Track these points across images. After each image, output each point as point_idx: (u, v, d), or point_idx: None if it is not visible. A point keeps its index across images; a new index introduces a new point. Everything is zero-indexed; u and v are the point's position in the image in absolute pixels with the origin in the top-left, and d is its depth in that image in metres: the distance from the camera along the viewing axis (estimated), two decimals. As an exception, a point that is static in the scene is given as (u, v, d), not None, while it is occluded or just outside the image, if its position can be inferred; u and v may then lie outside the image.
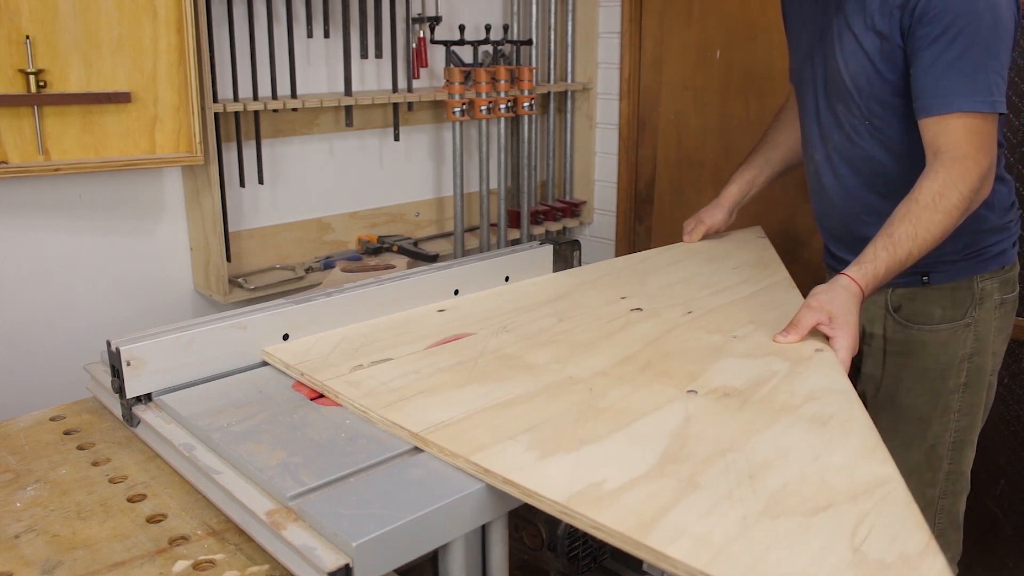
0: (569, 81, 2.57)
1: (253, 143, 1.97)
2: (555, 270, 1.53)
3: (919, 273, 1.42)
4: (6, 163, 1.57)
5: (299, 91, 2.00)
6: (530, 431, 0.89)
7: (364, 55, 2.08)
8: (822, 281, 1.29)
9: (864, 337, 1.50)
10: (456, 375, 1.05)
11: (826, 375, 1.04)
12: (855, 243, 1.36)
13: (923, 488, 1.50)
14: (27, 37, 1.54)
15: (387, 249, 2.17)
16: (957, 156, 1.22)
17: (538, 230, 2.48)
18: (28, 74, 1.55)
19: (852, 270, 1.22)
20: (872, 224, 1.35)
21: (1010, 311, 1.46)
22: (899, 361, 1.47)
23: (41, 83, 1.57)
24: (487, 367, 1.07)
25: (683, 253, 1.65)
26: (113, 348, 1.01)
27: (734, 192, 1.70)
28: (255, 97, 1.93)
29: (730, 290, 1.39)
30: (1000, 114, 1.25)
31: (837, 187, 1.46)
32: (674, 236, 1.89)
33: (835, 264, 1.53)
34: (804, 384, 1.01)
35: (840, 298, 1.18)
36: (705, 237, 1.71)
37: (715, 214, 1.70)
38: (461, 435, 0.88)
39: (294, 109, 2.00)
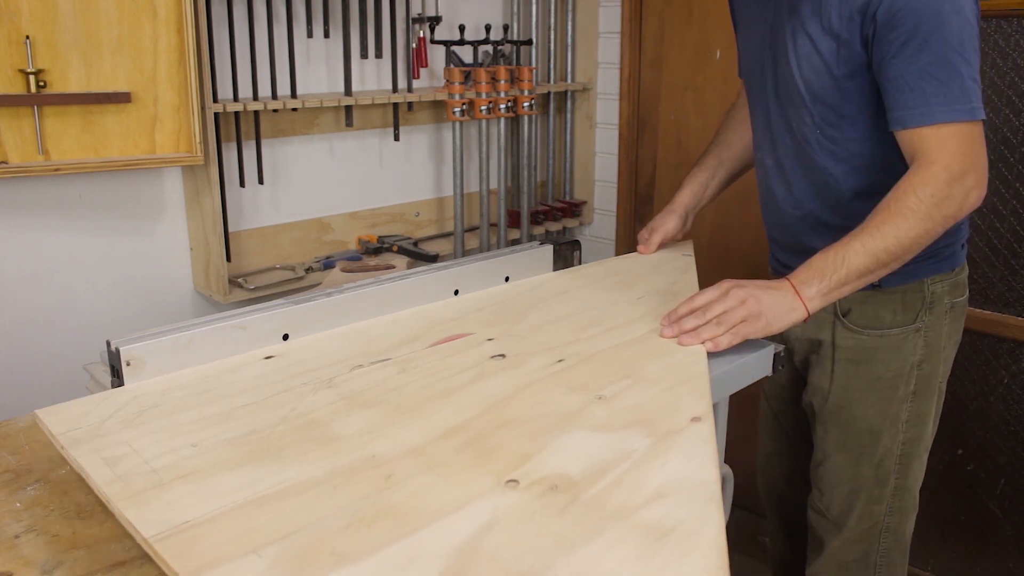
0: (569, 81, 2.57)
1: (253, 143, 1.97)
2: (555, 270, 1.53)
3: None
4: (6, 163, 1.57)
5: (299, 91, 2.00)
6: (281, 541, 0.70)
7: (364, 55, 2.08)
8: None
9: (812, 345, 1.45)
10: (237, 450, 0.86)
11: (692, 458, 0.85)
12: (803, 254, 1.30)
13: (870, 506, 1.43)
14: (27, 37, 1.54)
15: (387, 249, 2.17)
16: (924, 163, 1.16)
17: (538, 230, 2.48)
18: (28, 74, 1.55)
19: (805, 290, 1.16)
20: (820, 237, 1.31)
21: (960, 315, 1.42)
22: (848, 369, 1.40)
23: (41, 83, 1.57)
24: (280, 439, 0.88)
25: (583, 278, 1.48)
26: (113, 348, 1.01)
27: (687, 197, 1.59)
28: (255, 97, 1.93)
29: (621, 329, 1.21)
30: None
31: (787, 196, 1.40)
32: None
33: (781, 269, 1.47)
34: (658, 473, 0.82)
35: (772, 299, 1.15)
36: (661, 246, 1.59)
37: (667, 221, 1.58)
38: (195, 544, 0.70)
39: (294, 109, 2.00)
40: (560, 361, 1.09)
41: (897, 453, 1.41)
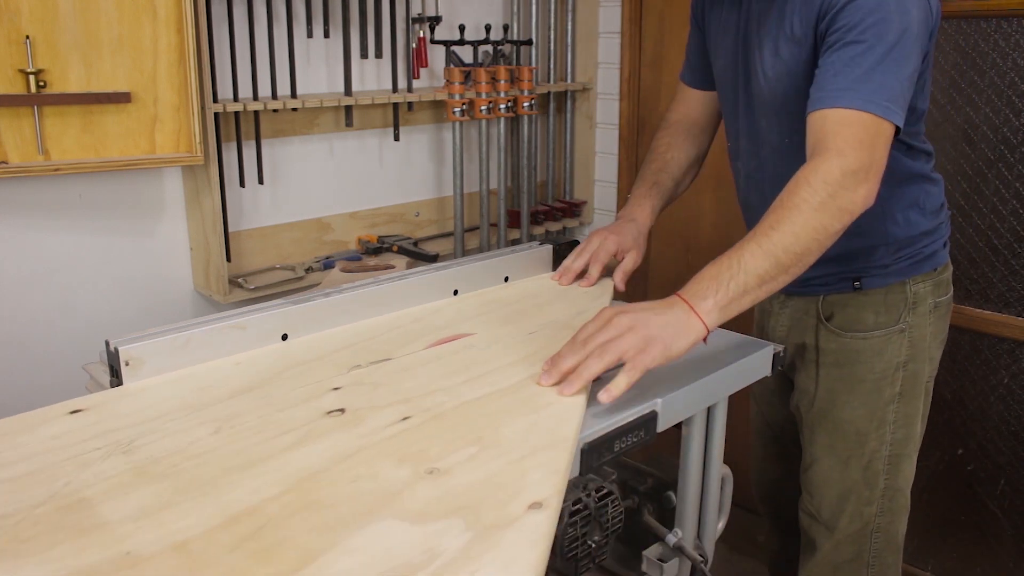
0: (569, 81, 2.57)
1: (253, 143, 1.97)
2: (555, 270, 1.53)
3: (851, 278, 1.36)
4: (6, 163, 1.57)
5: (299, 91, 2.00)
6: None
7: (364, 55, 2.08)
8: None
9: (796, 349, 1.45)
10: None
11: (510, 565, 0.68)
12: None
13: (860, 507, 1.42)
14: (27, 37, 1.54)
15: (387, 249, 2.17)
16: (818, 151, 1.09)
17: (538, 230, 2.48)
18: (28, 74, 1.55)
19: (700, 304, 1.04)
20: None
21: (945, 314, 1.41)
22: (833, 372, 1.39)
23: (41, 83, 1.57)
24: (31, 527, 0.73)
25: (484, 305, 1.34)
26: (111, 348, 1.01)
27: (647, 216, 1.48)
28: (255, 97, 1.93)
29: (496, 375, 1.06)
30: (896, 128, 1.12)
31: (762, 204, 1.33)
32: (674, 236, 1.89)
33: None
34: None
35: (664, 320, 1.02)
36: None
37: (625, 244, 1.44)
38: None
39: (294, 109, 2.00)
40: (405, 419, 0.93)
41: (885, 454, 1.40)
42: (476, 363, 1.09)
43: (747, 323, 1.65)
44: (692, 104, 1.56)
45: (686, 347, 1.02)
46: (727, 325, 1.11)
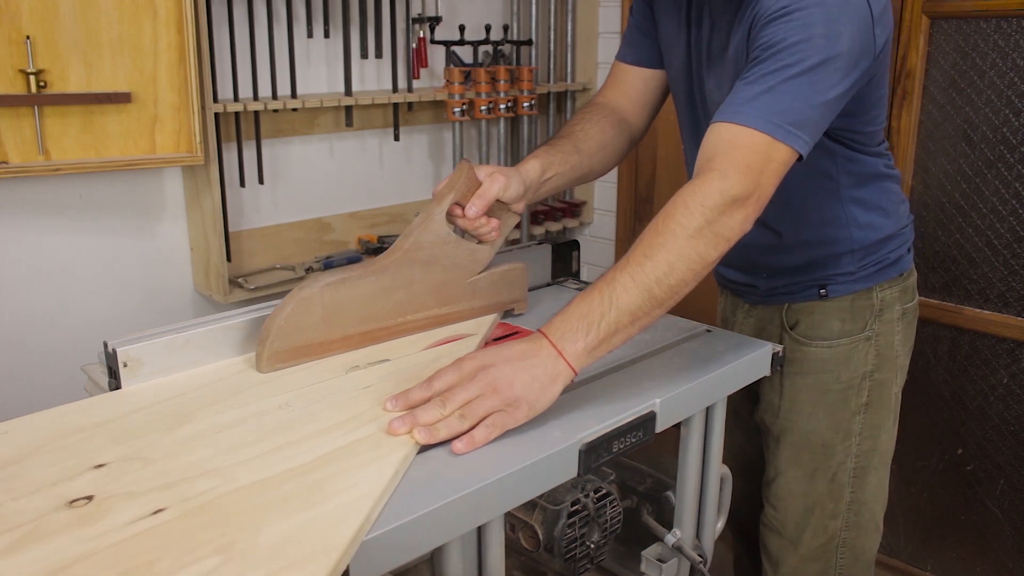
0: (569, 81, 2.57)
1: (253, 143, 1.97)
2: (554, 270, 1.53)
3: (816, 286, 1.31)
4: (6, 163, 1.57)
5: (299, 91, 2.00)
6: None
7: (364, 55, 2.08)
8: None
9: None
10: None
11: None
12: (749, 269, 1.28)
13: (825, 521, 1.37)
14: (27, 37, 1.54)
15: (387, 249, 2.17)
16: (705, 169, 0.99)
17: (538, 230, 2.49)
18: (28, 74, 1.55)
19: (569, 348, 0.94)
20: (765, 252, 1.28)
21: (912, 321, 1.37)
22: (798, 382, 1.34)
23: (41, 83, 1.57)
24: None
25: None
26: (110, 349, 1.01)
27: (536, 169, 1.23)
28: (255, 97, 1.93)
29: (305, 444, 0.88)
30: (799, 157, 1.02)
31: None
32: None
33: (727, 284, 1.44)
34: None
35: (529, 375, 0.92)
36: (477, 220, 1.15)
37: (504, 181, 1.16)
38: None
39: (294, 109, 2.00)
40: (158, 513, 0.77)
41: (851, 466, 1.35)
42: (287, 427, 0.92)
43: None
44: (625, 87, 1.40)
45: (551, 401, 0.94)
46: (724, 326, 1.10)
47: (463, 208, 1.13)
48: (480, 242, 1.18)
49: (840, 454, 1.35)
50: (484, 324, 1.19)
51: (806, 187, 1.21)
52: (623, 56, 1.40)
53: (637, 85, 1.40)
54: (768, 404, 1.39)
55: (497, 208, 1.16)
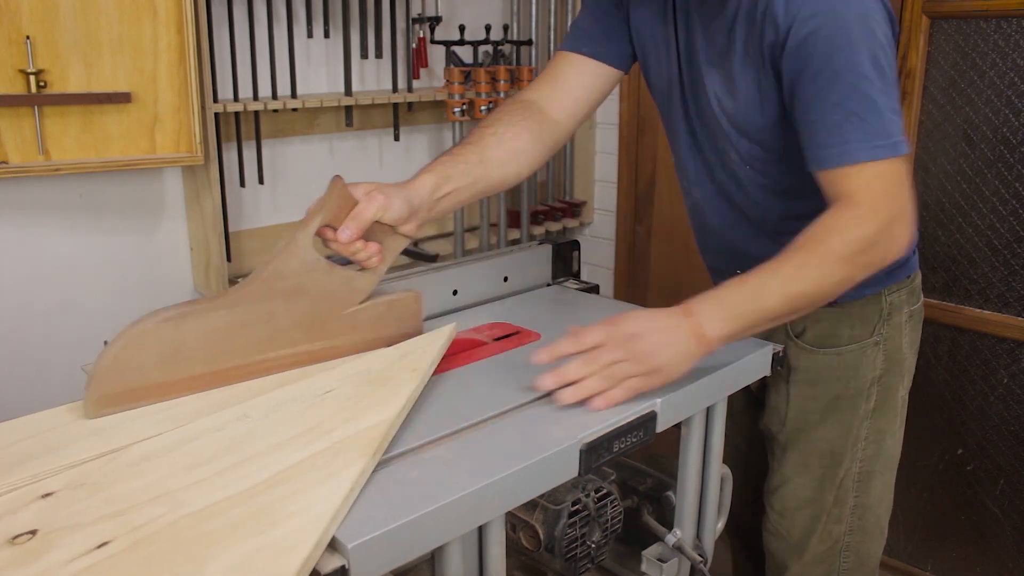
0: (569, 81, 2.56)
1: (253, 143, 1.97)
2: (554, 270, 1.53)
3: None
4: (6, 163, 1.57)
5: (299, 91, 2.00)
6: None
7: (364, 55, 2.08)
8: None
9: None
10: None
11: None
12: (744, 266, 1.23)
13: (829, 527, 1.35)
14: (27, 37, 1.54)
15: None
16: (849, 204, 1.04)
17: (538, 230, 2.48)
18: (28, 74, 1.55)
19: (710, 330, 1.01)
20: (760, 248, 1.20)
21: (918, 322, 1.35)
22: (805, 391, 1.31)
23: (41, 83, 1.57)
24: None
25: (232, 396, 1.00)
26: (111, 349, 1.01)
27: (427, 186, 1.14)
28: (255, 97, 1.93)
29: (254, 463, 0.84)
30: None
31: (723, 226, 1.29)
32: (674, 236, 1.89)
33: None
34: None
35: (673, 350, 0.99)
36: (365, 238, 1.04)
37: (388, 198, 1.05)
38: None
39: (294, 109, 2.00)
40: (102, 547, 0.73)
41: (856, 471, 1.33)
42: (239, 445, 0.87)
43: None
44: (567, 82, 1.29)
45: (684, 374, 1.02)
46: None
47: (335, 231, 1.01)
48: (362, 269, 1.06)
49: (848, 460, 1.33)
50: (440, 338, 1.10)
51: (815, 205, 1.17)
52: (576, 46, 1.29)
53: (585, 80, 1.30)
54: (774, 412, 1.36)
55: (379, 231, 1.04)
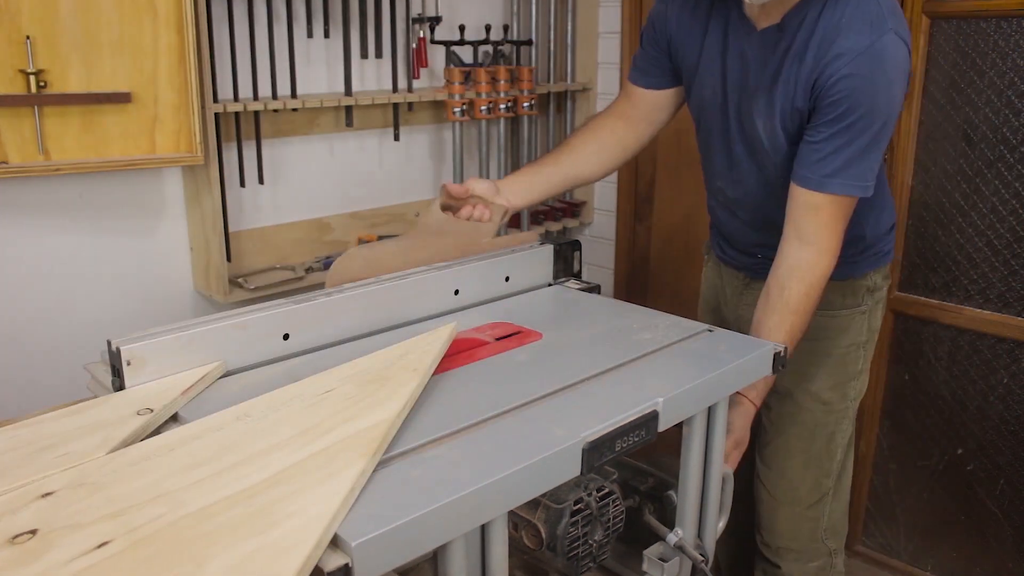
0: (569, 81, 2.57)
1: (253, 143, 1.97)
2: (555, 271, 1.53)
3: None
4: (6, 163, 1.57)
5: (299, 91, 2.00)
6: None
7: (364, 55, 2.08)
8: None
9: None
10: None
11: None
12: (761, 252, 1.45)
13: (820, 479, 1.54)
14: (27, 37, 1.54)
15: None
16: (818, 249, 1.28)
17: (538, 230, 2.49)
18: (28, 74, 1.55)
19: (751, 394, 1.31)
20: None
21: (884, 304, 1.57)
22: (803, 346, 1.44)
23: (41, 83, 1.57)
24: None
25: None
26: (113, 347, 1.01)
27: (515, 174, 1.53)
28: (255, 97, 1.93)
29: (255, 462, 0.85)
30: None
31: (744, 227, 1.48)
32: (674, 236, 1.89)
33: (726, 259, 1.59)
34: None
35: (745, 423, 1.31)
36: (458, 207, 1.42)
37: (481, 182, 1.43)
38: None
39: (294, 109, 2.00)
40: (102, 547, 0.73)
41: (847, 430, 1.55)
42: (240, 445, 0.87)
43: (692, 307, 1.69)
44: (634, 104, 1.53)
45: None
46: (722, 323, 1.10)
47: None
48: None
49: (838, 414, 1.52)
50: (440, 337, 1.14)
51: None
52: (634, 80, 1.53)
53: (645, 106, 1.53)
54: None
55: (481, 201, 1.45)
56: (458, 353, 1.15)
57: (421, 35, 2.15)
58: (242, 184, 1.97)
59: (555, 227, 2.55)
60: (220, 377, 1.08)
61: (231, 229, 1.96)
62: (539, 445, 0.90)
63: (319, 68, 2.08)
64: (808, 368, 1.50)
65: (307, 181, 2.12)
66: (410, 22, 2.16)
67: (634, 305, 1.37)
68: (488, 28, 2.22)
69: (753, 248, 1.52)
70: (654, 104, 1.53)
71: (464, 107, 2.15)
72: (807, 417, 1.52)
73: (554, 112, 2.60)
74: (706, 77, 1.40)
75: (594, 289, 1.50)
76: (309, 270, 2.04)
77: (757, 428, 1.57)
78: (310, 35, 2.00)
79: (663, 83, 1.50)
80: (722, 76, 1.37)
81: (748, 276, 1.56)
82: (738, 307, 1.58)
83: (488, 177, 2.30)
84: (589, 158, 1.53)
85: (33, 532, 0.75)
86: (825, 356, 1.50)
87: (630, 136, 1.54)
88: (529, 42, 2.39)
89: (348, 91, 2.08)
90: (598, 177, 1.58)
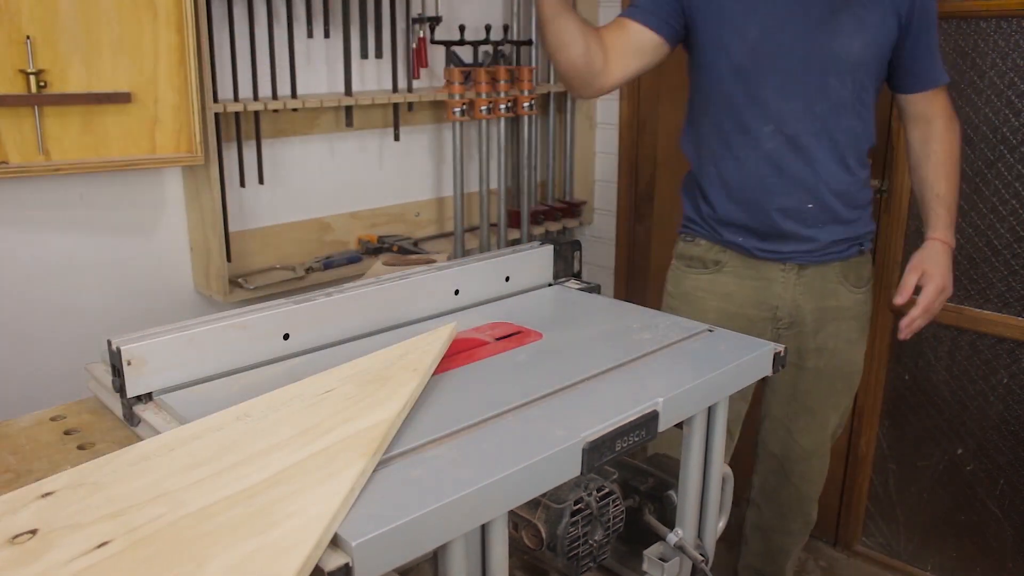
0: (569, 81, 2.56)
1: (253, 143, 1.97)
2: (555, 271, 1.53)
3: (857, 244, 1.59)
4: (6, 163, 1.57)
5: (299, 91, 2.00)
6: None
7: (364, 55, 2.08)
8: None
9: (821, 313, 1.62)
10: None
11: None
12: (776, 238, 1.54)
13: (833, 438, 1.74)
14: (27, 37, 1.54)
15: (387, 249, 2.17)
16: (951, 117, 1.55)
17: (538, 230, 2.49)
18: (28, 74, 1.55)
19: (938, 233, 1.50)
20: (841, 196, 1.52)
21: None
22: (853, 324, 1.64)
23: (41, 83, 1.57)
24: None
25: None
26: (114, 347, 1.01)
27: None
28: (255, 97, 1.93)
29: (255, 462, 0.85)
30: None
31: (803, 169, 1.50)
32: (674, 236, 1.87)
33: (722, 242, 1.62)
34: None
35: (931, 254, 1.48)
36: None
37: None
38: None
39: (294, 109, 2.00)
40: (102, 547, 0.73)
41: (855, 395, 1.74)
42: (239, 445, 0.87)
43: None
44: (622, 37, 1.50)
45: None
46: (726, 325, 1.10)
47: None
48: None
49: (855, 384, 1.70)
50: (441, 337, 1.14)
51: (869, 128, 1.55)
52: (632, 15, 1.51)
53: (631, 43, 1.51)
54: (822, 350, 1.63)
55: None
56: (458, 353, 1.15)
57: (421, 35, 2.15)
58: (242, 184, 1.97)
59: (555, 227, 2.55)
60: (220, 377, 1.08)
61: (231, 229, 1.96)
62: (539, 445, 0.90)
63: (319, 68, 2.08)
64: (855, 343, 1.64)
65: (307, 181, 2.12)
66: (410, 22, 2.16)
67: (634, 305, 1.37)
68: (488, 28, 2.22)
69: (803, 207, 1.51)
70: (639, 45, 1.51)
71: (464, 107, 2.15)
72: (842, 385, 1.66)
73: (554, 112, 2.60)
74: (749, 18, 1.46)
75: (594, 289, 1.50)
76: (309, 270, 2.04)
77: (781, 388, 1.71)
78: (310, 35, 2.00)
79: (662, 28, 1.51)
80: (770, 13, 1.45)
81: (796, 264, 1.57)
82: (785, 295, 1.60)
83: (488, 177, 2.30)
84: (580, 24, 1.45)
85: (33, 532, 0.75)
86: (861, 331, 1.65)
87: (598, 56, 1.48)
88: (529, 42, 2.39)
89: (348, 91, 2.08)
90: (570, 50, 1.45)
